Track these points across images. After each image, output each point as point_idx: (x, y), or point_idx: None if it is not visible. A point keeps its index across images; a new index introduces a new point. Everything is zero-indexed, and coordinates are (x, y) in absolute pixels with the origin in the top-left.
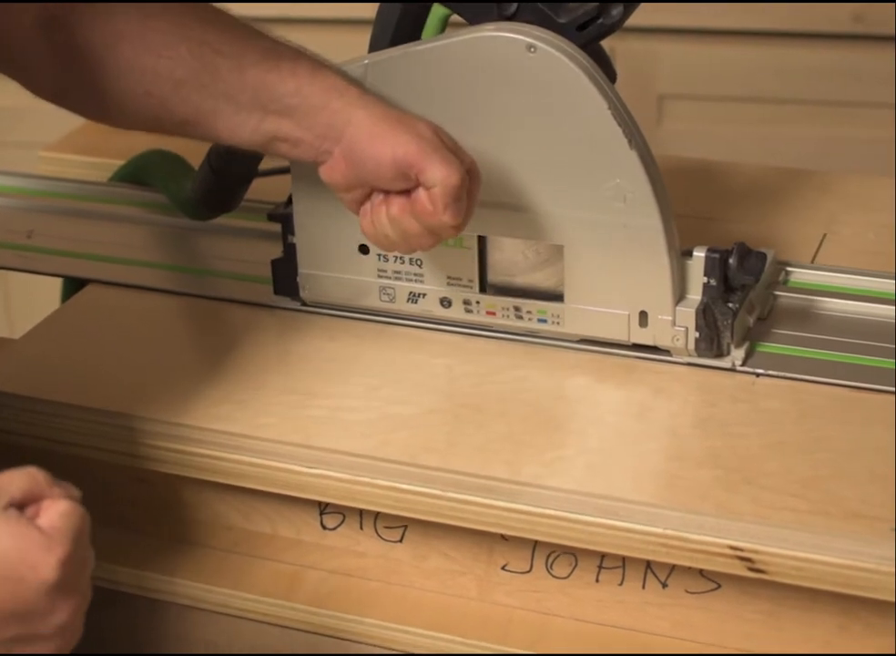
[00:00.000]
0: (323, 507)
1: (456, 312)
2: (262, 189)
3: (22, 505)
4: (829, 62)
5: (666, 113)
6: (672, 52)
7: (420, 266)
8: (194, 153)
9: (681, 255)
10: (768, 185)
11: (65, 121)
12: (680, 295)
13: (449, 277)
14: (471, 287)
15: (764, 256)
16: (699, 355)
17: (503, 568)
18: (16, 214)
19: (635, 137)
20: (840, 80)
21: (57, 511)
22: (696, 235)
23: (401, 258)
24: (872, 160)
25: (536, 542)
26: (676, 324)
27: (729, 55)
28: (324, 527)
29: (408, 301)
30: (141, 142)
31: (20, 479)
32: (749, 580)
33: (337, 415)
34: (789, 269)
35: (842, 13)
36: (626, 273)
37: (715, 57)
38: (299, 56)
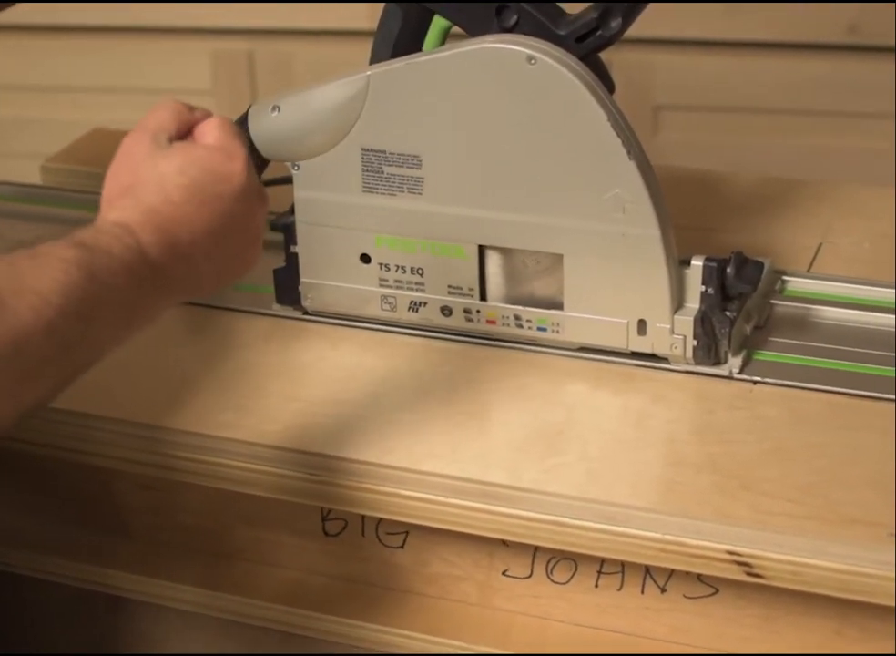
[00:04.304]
0: (326, 513)
1: (457, 321)
2: None
3: (179, 137)
4: (824, 72)
5: (662, 124)
6: (668, 63)
7: (421, 275)
8: None
9: (679, 264)
10: (764, 195)
11: (67, 132)
12: (678, 304)
13: (449, 286)
14: (471, 296)
15: (761, 265)
16: (697, 363)
17: (503, 573)
18: (20, 224)
19: (633, 147)
20: (836, 91)
21: (216, 126)
22: (693, 244)
23: (402, 267)
24: (869, 170)
25: (537, 548)
26: (674, 333)
27: (725, 65)
28: (326, 534)
29: (409, 309)
30: None
31: (166, 115)
32: (747, 585)
33: (340, 421)
34: (786, 278)
35: (838, 24)
36: (624, 282)
37: (711, 68)
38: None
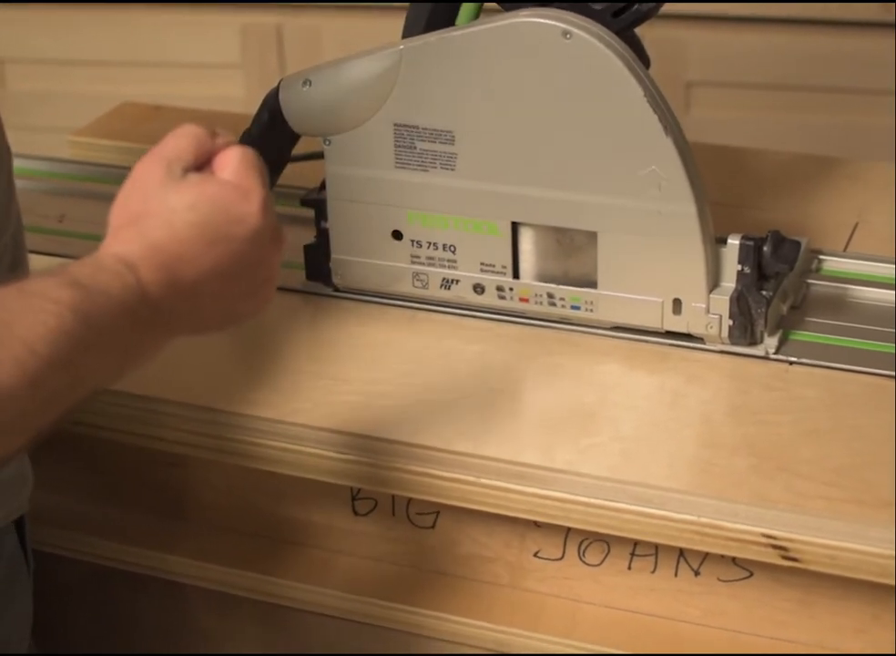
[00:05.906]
0: (355, 493)
1: (489, 299)
2: (295, 174)
3: (196, 167)
4: (858, 50)
5: (694, 100)
6: (700, 39)
7: (453, 252)
8: None
9: (715, 242)
10: (798, 173)
11: (95, 106)
12: (714, 283)
13: (482, 263)
14: (504, 273)
15: (798, 244)
16: (733, 343)
17: (535, 554)
18: (48, 198)
19: (670, 123)
20: (869, 68)
21: (235, 159)
22: (729, 222)
23: (434, 244)
24: None
25: (569, 529)
26: (709, 312)
27: (758, 42)
28: (356, 513)
29: (441, 287)
30: (170, 127)
31: (185, 142)
32: (782, 569)
33: (370, 400)
34: (822, 257)
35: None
36: (659, 260)
37: (743, 45)
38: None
